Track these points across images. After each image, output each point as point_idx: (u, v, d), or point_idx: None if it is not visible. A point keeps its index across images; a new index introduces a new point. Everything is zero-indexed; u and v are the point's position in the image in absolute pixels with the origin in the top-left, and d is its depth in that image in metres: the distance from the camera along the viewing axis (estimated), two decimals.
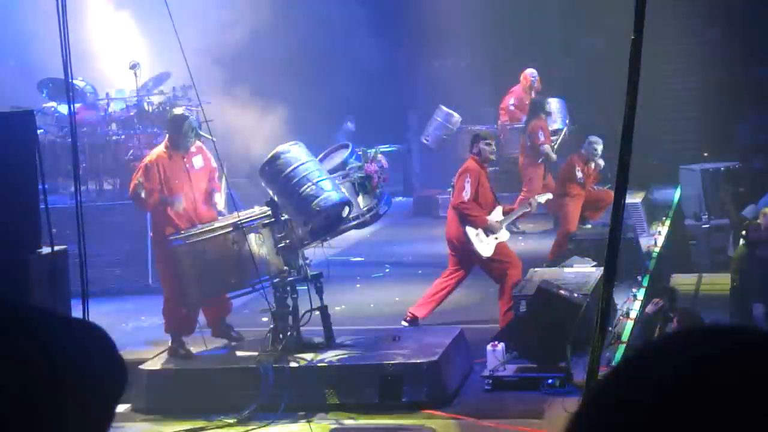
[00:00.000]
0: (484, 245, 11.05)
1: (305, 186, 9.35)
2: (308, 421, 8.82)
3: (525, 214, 12.50)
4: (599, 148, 14.18)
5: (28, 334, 1.58)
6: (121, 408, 9.28)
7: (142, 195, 9.82)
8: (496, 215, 11.23)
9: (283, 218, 9.50)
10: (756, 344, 1.13)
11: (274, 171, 9.50)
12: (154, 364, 9.72)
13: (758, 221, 14.20)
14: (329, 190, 9.40)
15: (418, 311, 11.25)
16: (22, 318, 1.60)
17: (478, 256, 11.06)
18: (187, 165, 10.03)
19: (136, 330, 11.69)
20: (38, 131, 10.93)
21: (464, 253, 11.16)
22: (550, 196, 12.48)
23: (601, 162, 14.21)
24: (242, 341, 10.20)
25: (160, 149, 10.12)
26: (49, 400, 1.52)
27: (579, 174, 14.10)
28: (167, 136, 10.23)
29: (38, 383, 1.51)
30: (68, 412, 1.53)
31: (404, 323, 11.17)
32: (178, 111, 10.57)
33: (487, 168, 11.50)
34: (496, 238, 11.12)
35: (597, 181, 14.62)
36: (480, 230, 11.07)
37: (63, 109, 14.54)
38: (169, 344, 10.00)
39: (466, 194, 11.05)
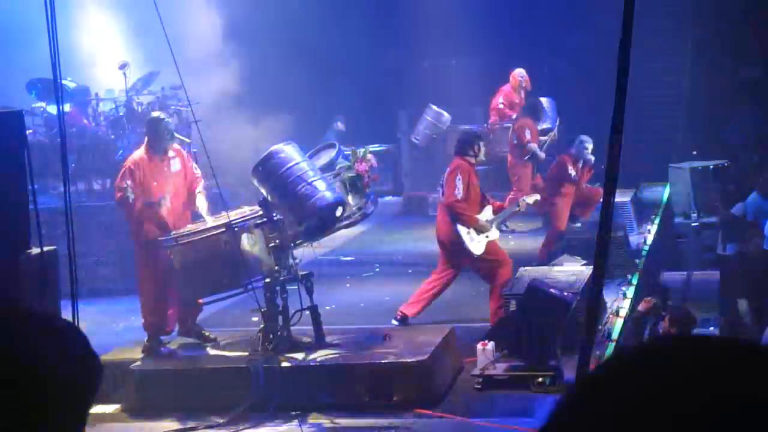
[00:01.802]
0: (475, 244, 11.07)
1: (300, 186, 9.35)
2: (299, 422, 8.82)
3: (514, 213, 12.53)
4: (590, 147, 14.25)
5: None
6: (110, 408, 9.30)
7: (130, 200, 9.81)
8: (486, 214, 11.24)
9: (275, 218, 9.50)
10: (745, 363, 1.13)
11: (267, 171, 9.49)
12: (144, 364, 9.70)
13: None
14: (324, 190, 9.40)
15: (408, 309, 11.26)
16: None
17: (469, 254, 11.08)
18: (165, 168, 10.08)
19: (126, 330, 11.67)
20: (27, 132, 10.92)
21: (455, 252, 11.18)
22: (538, 197, 12.50)
23: (592, 158, 14.27)
24: (217, 341, 10.20)
25: (140, 152, 10.16)
26: (18, 395, 1.52)
27: (572, 172, 14.16)
28: (146, 138, 10.25)
29: (8, 379, 1.52)
30: (40, 406, 1.54)
31: (394, 322, 11.18)
32: (155, 113, 10.64)
33: (476, 166, 11.53)
34: (487, 237, 11.14)
35: (590, 179, 14.66)
36: (471, 229, 11.08)
37: (52, 109, 14.52)
38: (145, 342, 10.02)
39: (458, 192, 11.06)
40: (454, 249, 11.16)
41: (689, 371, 1.11)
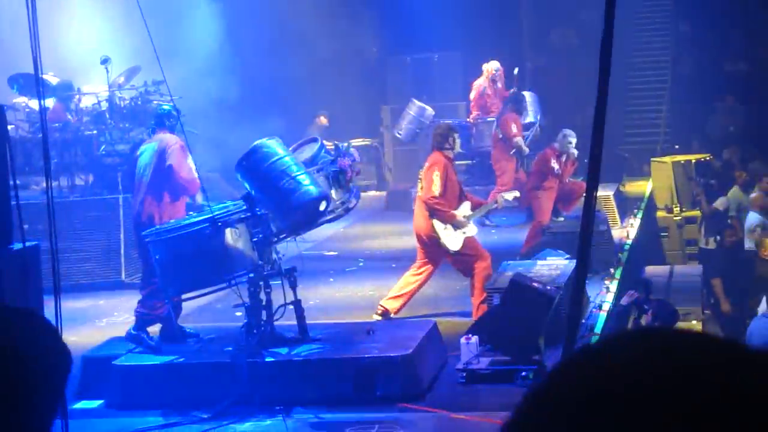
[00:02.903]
0: (451, 239, 11.09)
1: (283, 180, 9.34)
2: (283, 416, 8.82)
3: (492, 209, 12.54)
4: (573, 141, 14.27)
5: None
6: (94, 403, 9.28)
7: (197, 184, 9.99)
8: (464, 210, 11.26)
9: (259, 213, 9.49)
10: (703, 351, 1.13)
11: (251, 165, 9.48)
12: (128, 359, 9.68)
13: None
14: (308, 185, 9.40)
15: (389, 304, 11.27)
16: None
17: (446, 249, 11.10)
18: None
19: (109, 325, 11.65)
20: (9, 127, 10.87)
21: (432, 247, 11.20)
22: (517, 194, 12.50)
23: (575, 152, 14.29)
24: (200, 337, 10.20)
25: (175, 136, 10.18)
26: None
27: (555, 166, 14.19)
28: (168, 126, 10.23)
29: None
30: (9, 395, 1.54)
31: (376, 316, 11.19)
32: (166, 106, 10.66)
33: (453, 161, 11.55)
34: (464, 233, 11.16)
35: (574, 173, 14.69)
36: (448, 224, 11.10)
37: (34, 104, 14.46)
38: (131, 330, 9.98)
39: (436, 188, 11.08)
40: (431, 244, 11.19)
41: (657, 363, 1.11)
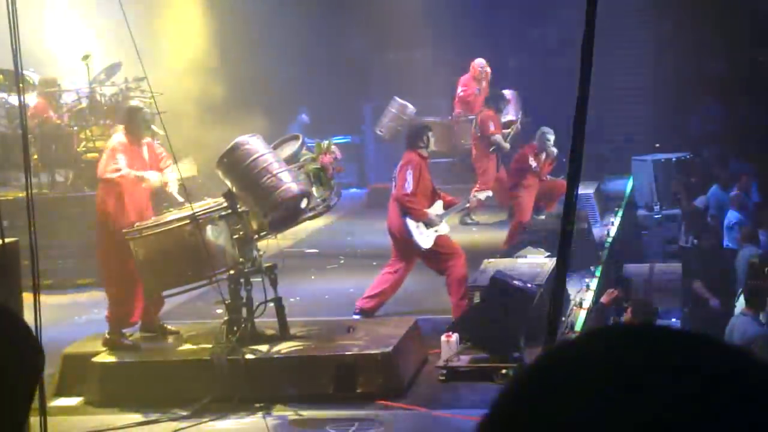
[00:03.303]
0: (423, 237, 11.09)
1: (265, 177, 9.33)
2: (263, 414, 8.81)
3: (465, 208, 12.54)
4: (551, 138, 14.31)
5: None
6: (73, 401, 9.24)
7: (131, 175, 9.72)
8: (437, 208, 11.25)
9: (240, 210, 9.48)
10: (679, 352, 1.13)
11: (232, 162, 9.47)
12: (107, 356, 9.66)
13: None
14: (289, 182, 9.39)
15: (365, 304, 11.25)
16: None
17: (417, 247, 11.09)
18: (141, 155, 10.04)
19: (89, 323, 11.61)
20: None
21: (405, 244, 11.19)
22: (490, 193, 12.49)
23: (554, 149, 14.32)
24: (180, 334, 10.16)
25: (120, 136, 10.02)
26: None
27: (533, 163, 14.22)
28: (123, 126, 10.15)
29: None
30: None
31: (355, 316, 11.17)
32: (133, 103, 10.60)
33: (428, 160, 11.53)
34: (436, 231, 11.15)
35: (551, 171, 14.72)
36: (420, 223, 11.09)
37: (14, 99, 14.40)
38: (106, 335, 9.91)
39: (409, 186, 11.07)
40: (404, 241, 11.18)
41: (632, 359, 1.11)
